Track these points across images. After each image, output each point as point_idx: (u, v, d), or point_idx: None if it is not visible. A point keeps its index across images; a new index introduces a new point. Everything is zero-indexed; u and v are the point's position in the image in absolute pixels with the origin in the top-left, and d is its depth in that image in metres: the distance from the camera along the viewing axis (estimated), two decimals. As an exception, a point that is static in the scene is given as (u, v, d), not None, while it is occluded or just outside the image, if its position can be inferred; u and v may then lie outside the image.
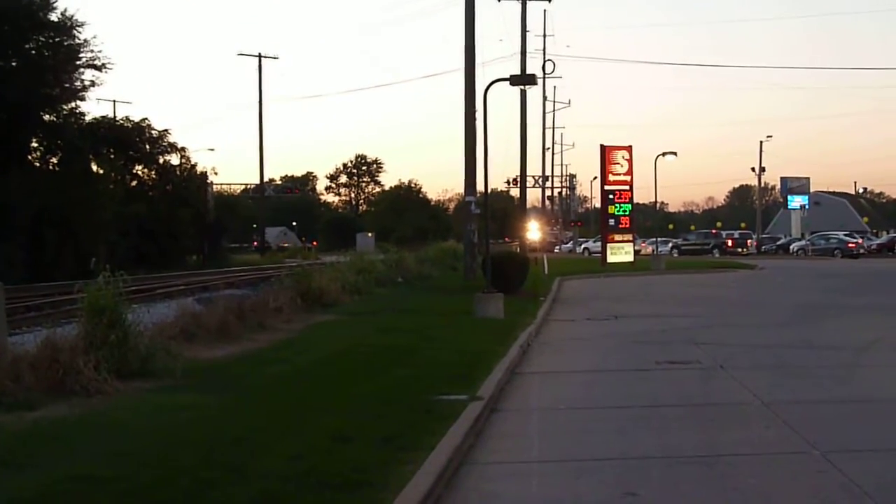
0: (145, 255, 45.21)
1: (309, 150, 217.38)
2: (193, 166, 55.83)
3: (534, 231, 51.19)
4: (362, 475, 6.35)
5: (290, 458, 6.75)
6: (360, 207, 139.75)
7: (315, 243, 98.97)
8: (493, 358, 12.25)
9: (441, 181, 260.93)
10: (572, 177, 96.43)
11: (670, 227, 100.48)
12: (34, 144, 40.73)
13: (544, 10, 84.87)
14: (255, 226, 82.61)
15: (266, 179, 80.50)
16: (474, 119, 29.71)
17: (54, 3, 38.45)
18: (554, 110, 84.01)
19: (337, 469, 6.47)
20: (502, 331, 15.65)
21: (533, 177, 74.96)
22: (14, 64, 37.32)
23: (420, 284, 30.42)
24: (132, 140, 52.00)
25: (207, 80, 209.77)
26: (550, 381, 11.83)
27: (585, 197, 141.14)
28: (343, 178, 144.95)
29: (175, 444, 7.28)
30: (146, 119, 53.77)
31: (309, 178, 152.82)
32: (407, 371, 11.13)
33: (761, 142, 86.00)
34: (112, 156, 49.41)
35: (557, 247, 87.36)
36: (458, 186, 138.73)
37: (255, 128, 74.49)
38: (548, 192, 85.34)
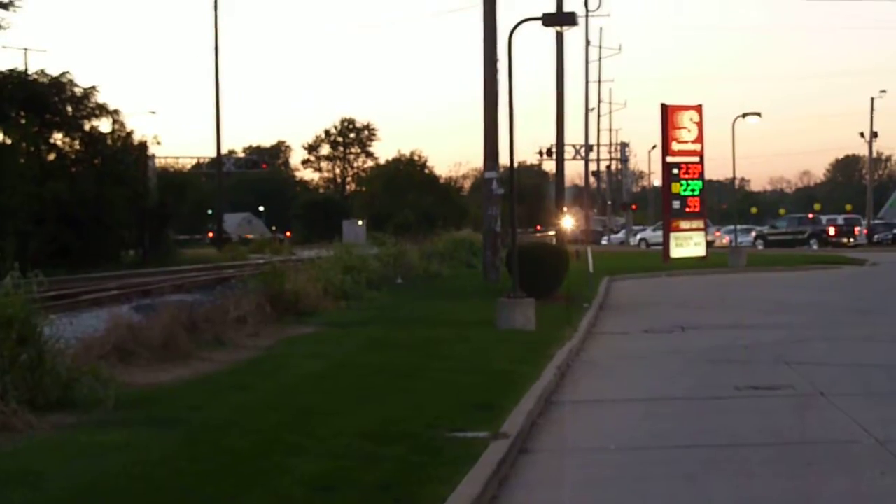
0: (68, 248, 45.34)
1: (281, 113, 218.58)
2: (129, 134, 55.80)
3: (574, 217, 51.19)
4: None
5: (255, 518, 6.73)
6: (348, 187, 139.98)
7: (289, 234, 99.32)
8: (521, 382, 12.33)
9: (453, 152, 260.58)
10: (624, 146, 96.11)
11: (753, 210, 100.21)
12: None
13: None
14: (210, 211, 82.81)
15: (225, 151, 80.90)
16: (496, 71, 29.97)
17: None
18: (600, 59, 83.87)
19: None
20: (533, 347, 15.73)
21: (573, 146, 75.25)
22: None
23: (426, 286, 30.61)
24: (49, 100, 52.00)
25: (147, 22, 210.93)
26: (596, 412, 11.82)
27: (641, 172, 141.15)
28: (325, 149, 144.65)
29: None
30: (67, 73, 53.54)
31: (281, 149, 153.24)
32: (408, 399, 11.23)
33: (873, 99, 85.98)
34: (23, 120, 49.51)
35: (605, 237, 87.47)
36: (474, 159, 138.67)
37: (209, 83, 74.58)
38: (592, 166, 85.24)
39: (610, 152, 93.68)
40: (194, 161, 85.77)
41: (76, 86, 53.46)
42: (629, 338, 19.11)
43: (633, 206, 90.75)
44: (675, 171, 44.43)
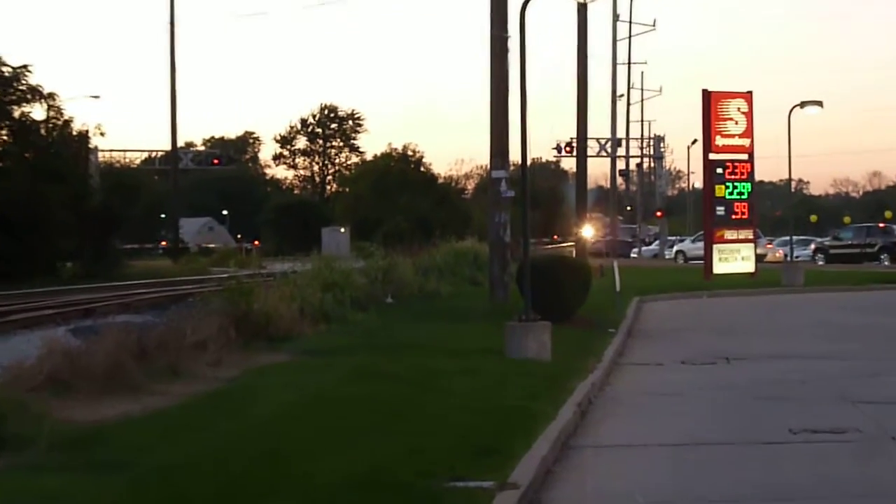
0: (-5, 258, 45.28)
1: (249, 100, 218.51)
2: (68, 123, 55.76)
3: (596, 225, 51.16)
4: None
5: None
6: (328, 187, 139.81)
7: (257, 243, 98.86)
8: (534, 422, 12.37)
9: (453, 148, 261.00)
10: (658, 140, 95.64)
11: (813, 218, 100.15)
12: None
13: None
14: (164, 216, 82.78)
15: (181, 143, 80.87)
16: (506, 49, 29.92)
17: None
18: (630, 36, 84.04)
19: None
20: (549, 379, 15.73)
21: (597, 140, 75.24)
22: None
23: (422, 307, 30.56)
24: (-31, 81, 52.08)
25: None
26: (622, 459, 11.85)
27: (679, 172, 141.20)
28: (301, 142, 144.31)
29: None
30: (-7, 50, 53.68)
31: (248, 142, 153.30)
32: (400, 440, 11.25)
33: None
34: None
35: (636, 249, 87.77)
36: (479, 156, 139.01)
37: (163, 65, 74.46)
38: (620, 165, 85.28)
39: (641, 148, 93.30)
40: (145, 155, 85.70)
41: (4, 65, 53.47)
42: (663, 370, 19.11)
43: (659, 213, 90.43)
44: (720, 170, 44.35)
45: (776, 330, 26.41)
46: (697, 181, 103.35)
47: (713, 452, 11.95)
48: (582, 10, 48.30)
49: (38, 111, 54.47)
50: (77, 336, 19.26)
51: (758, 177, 46.33)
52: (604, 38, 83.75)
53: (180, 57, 69.25)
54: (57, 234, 51.93)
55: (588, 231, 47.24)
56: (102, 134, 59.25)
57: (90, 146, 60.06)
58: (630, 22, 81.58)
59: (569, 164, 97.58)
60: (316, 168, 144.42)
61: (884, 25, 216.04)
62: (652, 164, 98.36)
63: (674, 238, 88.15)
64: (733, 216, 44.25)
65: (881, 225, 74.86)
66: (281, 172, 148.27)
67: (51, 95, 55.02)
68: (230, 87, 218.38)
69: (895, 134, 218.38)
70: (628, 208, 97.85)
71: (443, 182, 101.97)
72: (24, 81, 53.80)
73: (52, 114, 54.99)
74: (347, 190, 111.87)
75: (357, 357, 18.42)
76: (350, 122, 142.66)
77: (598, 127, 79.78)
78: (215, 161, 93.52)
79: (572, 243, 42.93)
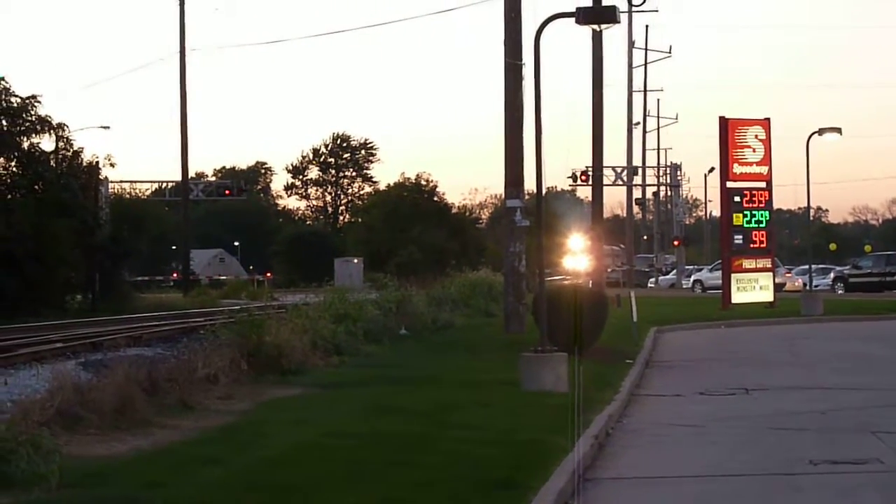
0: (2, 292, 45.34)
1: (260, 129, 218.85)
2: (77, 154, 55.65)
3: (614, 254, 50.83)
4: None
5: None
6: (341, 217, 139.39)
7: (269, 274, 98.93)
8: (550, 455, 12.39)
9: (467, 177, 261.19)
10: (675, 168, 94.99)
11: (832, 247, 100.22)
12: None
13: None
14: (174, 247, 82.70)
15: (192, 174, 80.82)
16: (520, 77, 30.12)
17: None
18: (646, 63, 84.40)
19: None
20: (566, 411, 15.33)
21: (613, 168, 75.18)
22: None
23: (436, 339, 30.78)
24: (-24, 112, 52.18)
25: (100, 21, 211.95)
26: (641, 492, 11.88)
27: (696, 200, 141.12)
28: (313, 172, 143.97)
29: None
30: (1, 79, 53.91)
31: (260, 173, 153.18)
32: (414, 476, 11.26)
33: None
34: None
35: (653, 279, 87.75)
36: (493, 185, 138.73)
37: (173, 95, 74.58)
38: (637, 193, 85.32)
39: (658, 176, 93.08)
40: (155, 186, 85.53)
41: (13, 95, 53.48)
42: (682, 401, 19.10)
43: (676, 242, 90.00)
44: (737, 198, 44.55)
45: (796, 360, 26.38)
46: (715, 209, 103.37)
47: (734, 484, 11.94)
48: (597, 37, 48.32)
49: (46, 142, 54.48)
50: (87, 370, 19.31)
51: (776, 205, 46.16)
52: (619, 65, 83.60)
53: (191, 86, 69.80)
54: (65, 267, 51.84)
55: (575, 261, 44.17)
56: (112, 165, 58.84)
57: (100, 177, 60.00)
58: (646, 49, 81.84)
59: (584, 192, 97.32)
60: (328, 198, 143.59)
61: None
62: (669, 193, 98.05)
63: (691, 267, 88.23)
64: (751, 245, 44.46)
65: (903, 253, 74.69)
66: (293, 203, 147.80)
67: (60, 126, 54.94)
68: (241, 116, 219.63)
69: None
70: (644, 238, 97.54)
71: (457, 212, 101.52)
72: (33, 112, 53.79)
73: (61, 144, 54.84)
74: (360, 220, 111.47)
75: (370, 390, 18.49)
76: (362, 151, 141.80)
77: (614, 155, 79.94)
78: (226, 192, 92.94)
79: (589, 273, 42.26)
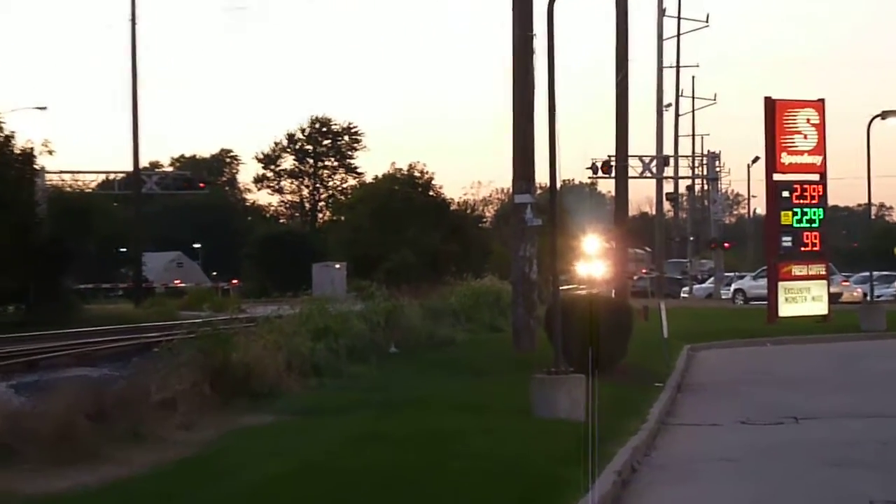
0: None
1: (225, 112, 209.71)
2: (9, 139, 54.29)
3: (641, 259, 49.79)
4: None
5: None
6: (321, 215, 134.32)
7: (236, 282, 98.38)
8: (566, 492, 12.45)
9: (469, 169, 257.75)
10: (713, 158, 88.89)
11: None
12: None
13: None
14: (124, 249, 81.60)
15: (146, 164, 79.47)
16: (531, 51, 29.18)
17: None
18: (678, 35, 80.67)
19: None
20: (584, 442, 14.63)
21: (640, 158, 72.31)
22: None
23: (432, 357, 30.00)
24: None
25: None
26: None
27: (738, 195, 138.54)
28: (288, 162, 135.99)
29: None
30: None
31: (225, 162, 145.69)
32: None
33: None
34: None
35: (686, 287, 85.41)
36: (499, 178, 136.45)
37: (124, 70, 72.59)
38: (668, 187, 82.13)
39: (693, 167, 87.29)
40: (102, 178, 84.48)
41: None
42: (719, 431, 18.91)
43: (713, 245, 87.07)
44: (786, 193, 43.81)
45: (853, 383, 26.00)
46: (759, 206, 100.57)
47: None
48: (622, 4, 46.49)
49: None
50: (21, 393, 19.23)
51: (831, 201, 46.12)
52: (648, 38, 78.21)
53: (145, 62, 67.60)
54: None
55: (601, 267, 43.82)
56: (51, 152, 57.37)
57: (35, 167, 58.36)
58: (679, 18, 78.61)
59: (606, 185, 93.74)
60: (305, 192, 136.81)
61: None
62: (705, 187, 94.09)
63: (731, 274, 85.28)
64: (802, 248, 43.83)
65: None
66: (264, 198, 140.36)
67: (-11, 107, 53.57)
68: (203, 98, 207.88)
69: None
70: (676, 240, 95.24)
71: (456, 209, 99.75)
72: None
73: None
74: (343, 218, 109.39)
75: (355, 417, 18.31)
76: (346, 137, 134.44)
77: (642, 143, 77.06)
78: (185, 184, 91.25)
79: (612, 280, 41.79)
